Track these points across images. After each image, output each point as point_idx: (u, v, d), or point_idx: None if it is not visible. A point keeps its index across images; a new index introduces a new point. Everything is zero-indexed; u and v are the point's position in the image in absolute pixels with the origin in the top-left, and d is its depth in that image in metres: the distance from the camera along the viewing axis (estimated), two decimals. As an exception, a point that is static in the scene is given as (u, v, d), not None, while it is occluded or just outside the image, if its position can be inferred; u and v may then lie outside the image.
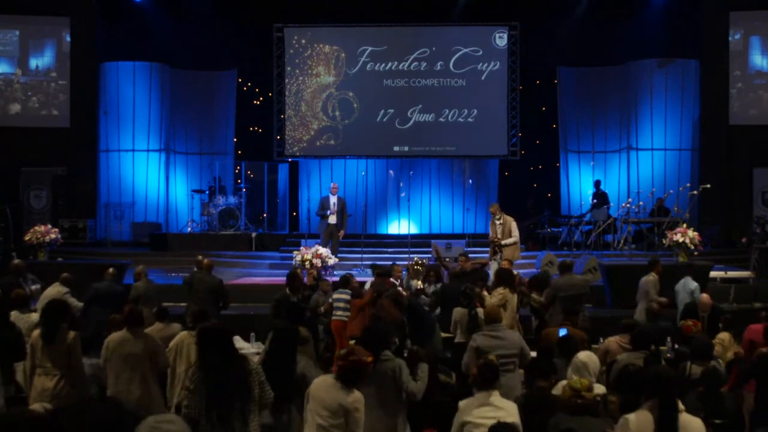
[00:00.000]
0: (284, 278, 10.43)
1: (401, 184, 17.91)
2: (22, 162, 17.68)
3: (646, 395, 4.31)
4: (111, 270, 9.80)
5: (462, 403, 5.01)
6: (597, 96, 18.40)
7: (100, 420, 3.50)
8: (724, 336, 7.65)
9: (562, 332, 7.26)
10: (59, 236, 13.31)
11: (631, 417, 4.34)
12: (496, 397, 4.92)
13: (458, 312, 8.49)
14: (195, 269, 10.30)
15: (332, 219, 14.15)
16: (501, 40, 17.38)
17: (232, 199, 17.32)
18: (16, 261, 10.67)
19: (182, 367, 6.71)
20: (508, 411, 4.86)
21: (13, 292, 8.05)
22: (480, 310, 8.48)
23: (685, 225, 12.91)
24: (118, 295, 9.36)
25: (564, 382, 5.22)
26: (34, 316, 7.43)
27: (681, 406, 4.37)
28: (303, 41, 17.65)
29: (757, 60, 18.06)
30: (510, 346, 6.47)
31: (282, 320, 6.08)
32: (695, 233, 12.28)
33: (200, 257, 10.71)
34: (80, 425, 3.53)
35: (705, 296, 9.47)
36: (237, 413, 4.53)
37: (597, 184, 17.54)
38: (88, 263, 13.28)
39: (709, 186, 14.46)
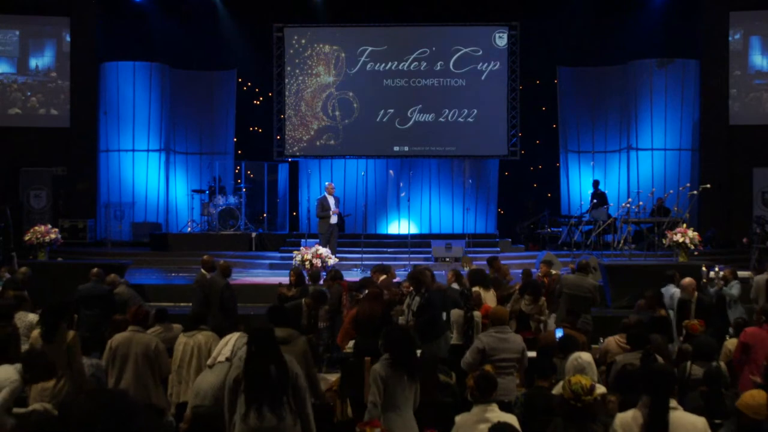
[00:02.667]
0: (285, 278, 10.44)
1: (401, 184, 17.90)
2: (22, 162, 17.69)
3: (641, 393, 4.31)
4: (95, 270, 9.74)
5: (459, 419, 4.94)
6: (597, 96, 18.40)
7: (108, 407, 3.49)
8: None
9: (559, 333, 7.26)
10: (59, 236, 13.28)
11: (618, 416, 4.33)
12: (494, 413, 4.86)
13: (455, 313, 8.49)
14: (203, 270, 10.25)
15: (333, 219, 14.15)
16: (501, 40, 17.38)
17: (232, 199, 17.32)
18: (22, 269, 10.61)
19: (175, 368, 6.73)
20: None
21: (6, 293, 8.02)
22: (477, 313, 8.50)
23: (684, 225, 12.90)
24: (102, 295, 9.32)
25: (565, 380, 5.20)
26: (31, 316, 7.42)
27: (674, 403, 4.35)
28: (303, 41, 17.65)
29: (757, 60, 18.06)
30: (514, 349, 6.47)
31: (261, 322, 6.07)
32: (695, 233, 12.27)
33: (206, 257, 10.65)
34: (87, 413, 3.51)
35: (688, 279, 9.28)
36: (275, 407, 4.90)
37: (596, 184, 17.54)
38: (88, 263, 13.26)
39: (709, 186, 14.46)
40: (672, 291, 9.66)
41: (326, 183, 15.16)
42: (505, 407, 5.23)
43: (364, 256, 14.71)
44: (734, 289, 9.97)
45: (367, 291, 8.47)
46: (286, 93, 17.65)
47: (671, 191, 15.50)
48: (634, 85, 18.03)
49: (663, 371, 4.61)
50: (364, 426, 4.38)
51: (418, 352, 6.95)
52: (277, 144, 17.61)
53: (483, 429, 4.69)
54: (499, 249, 16.20)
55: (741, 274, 12.61)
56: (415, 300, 8.42)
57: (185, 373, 6.72)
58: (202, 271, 10.12)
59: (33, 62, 18.38)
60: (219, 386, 6.16)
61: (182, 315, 9.73)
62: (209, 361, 6.31)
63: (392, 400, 5.13)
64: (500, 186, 18.29)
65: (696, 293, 9.09)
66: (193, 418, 5.78)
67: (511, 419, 4.83)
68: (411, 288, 8.62)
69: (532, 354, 6.70)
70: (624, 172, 18.17)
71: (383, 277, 9.92)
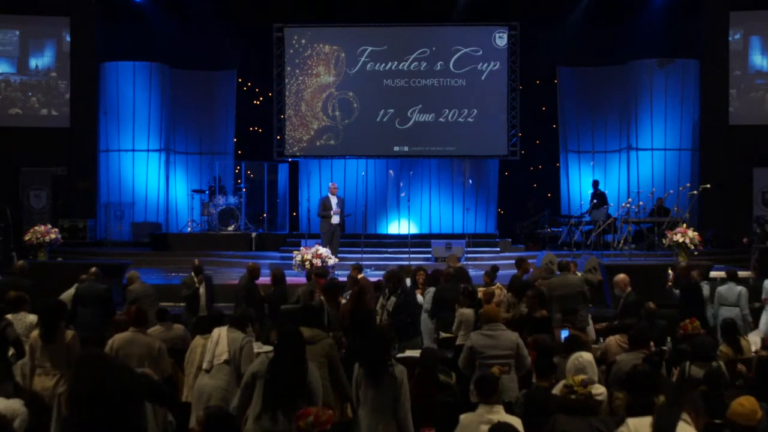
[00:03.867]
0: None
1: (401, 184, 17.89)
2: (22, 162, 17.68)
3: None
4: (93, 269, 9.76)
5: (463, 419, 4.94)
6: (597, 96, 18.40)
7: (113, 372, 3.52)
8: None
9: (564, 333, 7.25)
10: (59, 236, 13.29)
11: (632, 421, 4.31)
12: (498, 414, 4.86)
13: (464, 313, 8.45)
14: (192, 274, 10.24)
15: (335, 219, 14.15)
16: (501, 40, 17.37)
17: (232, 199, 17.32)
18: (20, 262, 10.64)
19: (192, 369, 6.71)
20: None
21: (7, 294, 8.01)
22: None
23: (684, 225, 12.90)
24: (99, 294, 9.34)
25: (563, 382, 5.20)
26: (31, 317, 7.41)
27: (688, 418, 4.25)
28: (303, 41, 17.65)
29: (757, 60, 18.06)
30: (504, 346, 6.46)
31: (288, 324, 6.07)
32: (695, 233, 12.27)
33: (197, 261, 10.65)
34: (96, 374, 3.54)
35: (621, 275, 9.26)
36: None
37: (595, 184, 17.52)
38: (88, 263, 13.25)
39: (709, 186, 14.45)
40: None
41: (330, 183, 15.17)
42: (505, 407, 5.23)
43: (364, 256, 14.71)
44: (703, 290, 9.91)
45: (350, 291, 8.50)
46: (286, 93, 17.64)
47: (671, 191, 15.50)
48: (634, 85, 18.02)
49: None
50: (299, 417, 4.45)
51: (418, 352, 6.97)
52: (277, 144, 17.60)
53: (486, 429, 4.69)
54: (499, 249, 16.21)
55: (741, 274, 12.62)
56: (390, 300, 8.43)
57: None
58: (191, 274, 10.16)
59: (33, 62, 18.37)
60: (223, 388, 6.13)
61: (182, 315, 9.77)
62: (205, 365, 6.28)
63: (365, 400, 5.23)
64: (500, 186, 18.27)
65: (628, 289, 9.07)
66: (206, 418, 5.75)
67: (515, 421, 4.82)
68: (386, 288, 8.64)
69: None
70: (624, 172, 18.16)
71: (361, 275, 9.98)
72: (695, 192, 14.42)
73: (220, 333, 6.43)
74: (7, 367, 6.35)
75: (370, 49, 17.51)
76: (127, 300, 9.46)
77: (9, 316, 7.29)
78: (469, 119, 17.45)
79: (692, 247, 12.16)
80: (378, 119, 17.52)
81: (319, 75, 17.62)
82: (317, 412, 4.43)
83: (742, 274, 12.67)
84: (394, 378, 5.19)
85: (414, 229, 17.48)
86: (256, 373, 5.17)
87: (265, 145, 17.86)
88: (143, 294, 9.42)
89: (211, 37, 17.96)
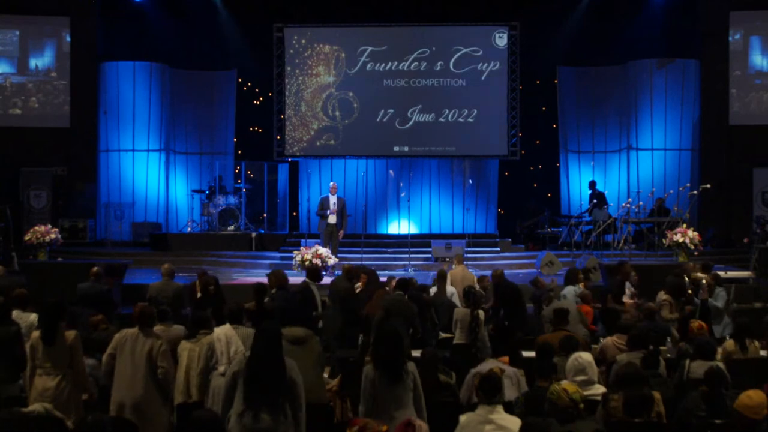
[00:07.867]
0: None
1: (401, 184, 17.88)
2: (22, 162, 17.68)
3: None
4: (95, 269, 9.73)
5: (463, 419, 4.94)
6: (597, 96, 18.39)
7: None
8: (730, 344, 7.49)
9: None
10: (59, 236, 13.29)
11: None
12: (499, 414, 4.85)
13: (460, 312, 8.47)
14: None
15: (332, 219, 14.15)
16: (501, 40, 17.37)
17: (232, 199, 17.32)
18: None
19: (182, 373, 6.70)
20: (511, 429, 4.81)
21: (13, 291, 8.02)
22: (481, 312, 8.50)
23: (684, 225, 12.90)
24: (101, 294, 9.31)
25: (562, 384, 5.18)
26: (33, 316, 7.40)
27: None
28: (303, 41, 17.65)
29: (757, 60, 18.06)
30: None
31: (268, 321, 6.06)
32: (695, 233, 12.27)
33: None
34: None
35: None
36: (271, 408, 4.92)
37: (592, 184, 17.44)
38: (88, 263, 13.25)
39: (709, 186, 14.45)
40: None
41: (331, 183, 15.18)
42: (505, 407, 5.24)
43: (364, 256, 14.71)
44: (720, 299, 9.48)
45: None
46: (286, 93, 17.65)
47: (671, 191, 15.50)
48: (634, 85, 18.02)
49: None
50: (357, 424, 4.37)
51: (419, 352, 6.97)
52: (277, 144, 17.60)
53: (488, 429, 4.68)
54: (499, 249, 16.22)
55: (741, 274, 12.62)
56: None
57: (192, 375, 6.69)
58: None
59: (33, 62, 18.37)
60: None
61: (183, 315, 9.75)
62: (222, 368, 6.23)
63: (381, 401, 5.21)
64: (500, 186, 18.27)
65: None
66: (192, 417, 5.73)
67: (515, 421, 4.82)
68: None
69: (531, 354, 6.72)
70: (624, 172, 18.15)
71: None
72: (695, 192, 14.42)
73: (226, 332, 6.38)
74: (13, 369, 6.36)
75: (370, 49, 17.51)
76: (148, 294, 9.44)
77: (15, 313, 7.30)
78: (469, 119, 17.45)
79: (692, 247, 12.16)
80: (378, 119, 17.52)
81: (319, 75, 17.62)
82: (365, 424, 4.32)
83: (741, 274, 12.69)
84: (409, 373, 5.29)
85: (414, 229, 17.47)
86: (236, 373, 5.16)
87: (265, 145, 17.86)
88: (158, 291, 9.38)
89: (211, 37, 17.96)
